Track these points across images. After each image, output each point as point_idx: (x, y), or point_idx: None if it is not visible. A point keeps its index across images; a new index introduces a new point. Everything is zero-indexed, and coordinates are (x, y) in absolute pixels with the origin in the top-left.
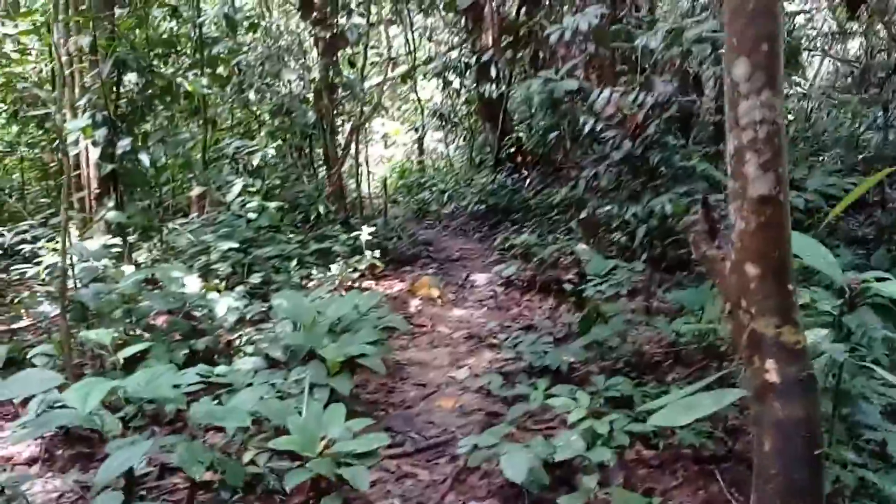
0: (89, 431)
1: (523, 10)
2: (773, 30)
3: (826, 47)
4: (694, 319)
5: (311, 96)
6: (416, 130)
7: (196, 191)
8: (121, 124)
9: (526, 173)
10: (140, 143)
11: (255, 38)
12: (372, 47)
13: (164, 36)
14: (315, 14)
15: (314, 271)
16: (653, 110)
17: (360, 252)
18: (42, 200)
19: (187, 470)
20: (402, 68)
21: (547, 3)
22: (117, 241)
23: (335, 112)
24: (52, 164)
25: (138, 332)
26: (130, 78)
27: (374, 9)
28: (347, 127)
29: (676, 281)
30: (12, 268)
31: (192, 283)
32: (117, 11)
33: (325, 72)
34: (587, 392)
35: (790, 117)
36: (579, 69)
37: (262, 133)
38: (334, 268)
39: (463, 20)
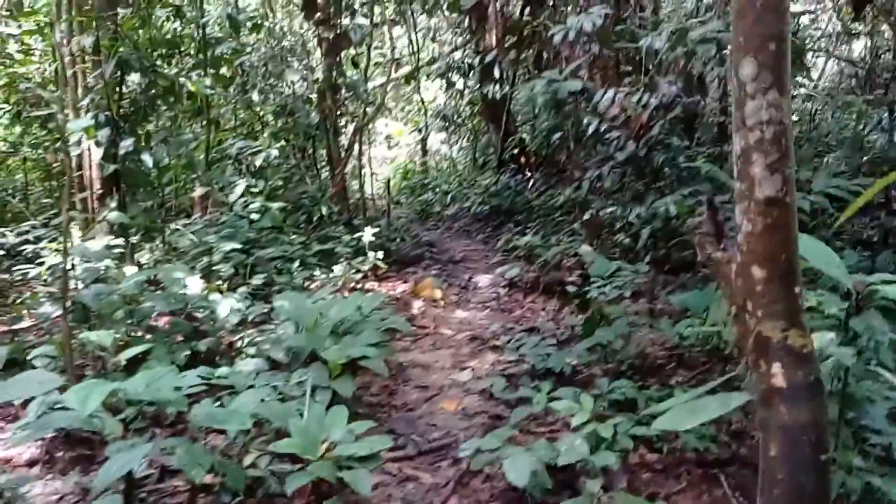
0: (90, 433)
1: (527, 10)
2: (781, 29)
3: (830, 48)
4: (698, 322)
5: (314, 97)
6: (420, 131)
7: (199, 191)
8: (123, 124)
9: (529, 174)
10: (143, 144)
11: (259, 38)
12: (375, 48)
13: (168, 36)
14: (318, 14)
15: (317, 272)
16: (657, 111)
17: (362, 253)
18: (45, 201)
19: (188, 473)
20: (405, 69)
21: (551, 3)
22: (120, 241)
23: (338, 113)
24: (55, 165)
25: (140, 333)
26: (133, 78)
27: (377, 9)
28: (351, 128)
29: (680, 283)
30: (15, 268)
31: (195, 284)
32: (120, 11)
33: (328, 72)
34: (591, 395)
35: (794, 118)
36: (583, 70)
37: (266, 134)
38: (337, 269)
39: (466, 20)
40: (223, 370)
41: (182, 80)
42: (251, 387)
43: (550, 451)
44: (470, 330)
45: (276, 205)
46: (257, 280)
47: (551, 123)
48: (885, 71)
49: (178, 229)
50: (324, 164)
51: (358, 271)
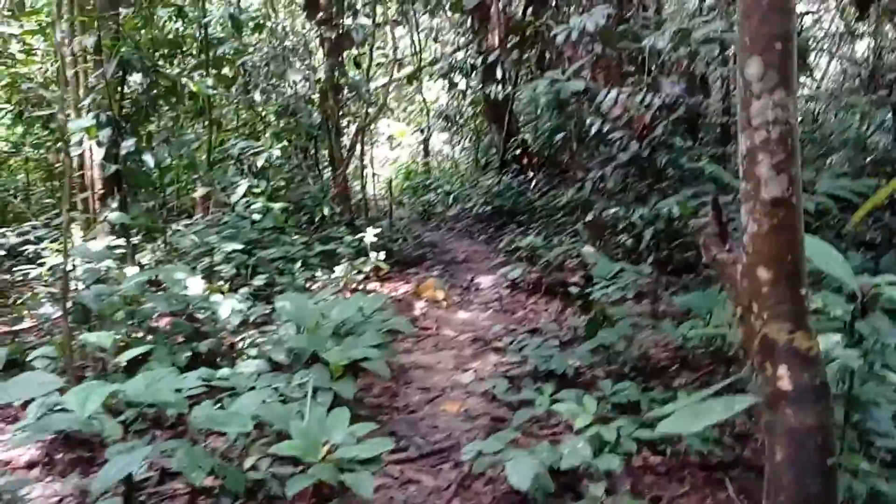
0: (90, 435)
1: (530, 10)
2: (787, 28)
3: (833, 48)
4: (701, 323)
5: (316, 97)
6: (422, 132)
7: (200, 192)
8: (125, 125)
9: (532, 175)
10: (144, 144)
11: (261, 38)
12: (377, 48)
13: (170, 36)
14: (321, 14)
15: (318, 273)
16: (660, 111)
17: (364, 254)
18: (47, 201)
19: (188, 475)
20: (407, 69)
21: (553, 3)
22: (121, 242)
23: (340, 113)
24: (57, 165)
25: (140, 334)
26: (135, 78)
27: (379, 9)
28: (353, 128)
29: (683, 284)
30: (16, 269)
31: (196, 285)
32: (122, 11)
33: (330, 73)
34: (594, 397)
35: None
36: (586, 70)
37: (268, 134)
38: (339, 269)
39: (469, 21)
40: (224, 371)
41: (184, 80)
42: (252, 388)
43: (553, 453)
44: (472, 331)
45: (277, 205)
46: (259, 281)
47: (554, 124)
48: (889, 71)
49: (179, 230)
50: (326, 164)
51: (360, 272)
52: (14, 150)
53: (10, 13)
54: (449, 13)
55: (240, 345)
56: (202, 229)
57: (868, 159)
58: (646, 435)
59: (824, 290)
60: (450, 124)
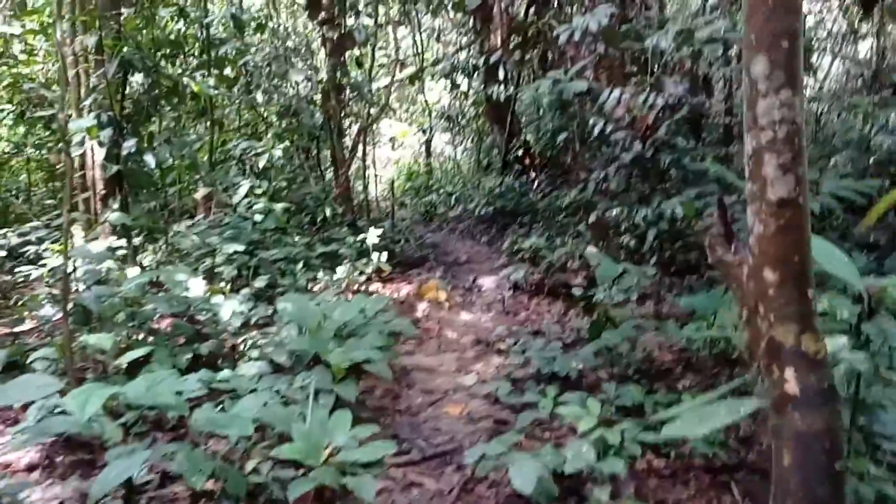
0: (90, 437)
1: (532, 10)
2: (794, 26)
3: (836, 49)
4: (706, 325)
5: (318, 97)
6: (424, 132)
7: (202, 192)
8: (126, 125)
9: (534, 175)
10: (146, 144)
11: (263, 38)
12: (379, 48)
13: (171, 36)
14: (322, 14)
15: (320, 274)
16: (663, 112)
17: (366, 255)
18: (48, 202)
19: (188, 479)
20: (409, 69)
21: (556, 3)
22: (122, 243)
23: (342, 113)
24: (58, 166)
25: (141, 335)
26: (136, 78)
27: (381, 9)
28: (355, 128)
29: (687, 285)
30: (17, 269)
31: (197, 286)
32: (123, 11)
33: (332, 73)
34: (597, 399)
35: None
36: (588, 70)
37: (269, 134)
38: (340, 271)
39: (471, 21)
40: (225, 373)
41: (185, 80)
42: (253, 391)
43: (557, 457)
44: (475, 333)
45: (279, 206)
46: (260, 282)
47: (556, 124)
48: (893, 71)
49: (180, 231)
50: (328, 165)
51: (362, 273)
52: (16, 151)
53: (11, 13)
54: (451, 13)
55: (241, 346)
56: (204, 230)
57: (871, 160)
58: (650, 438)
59: (829, 291)
60: (452, 125)
